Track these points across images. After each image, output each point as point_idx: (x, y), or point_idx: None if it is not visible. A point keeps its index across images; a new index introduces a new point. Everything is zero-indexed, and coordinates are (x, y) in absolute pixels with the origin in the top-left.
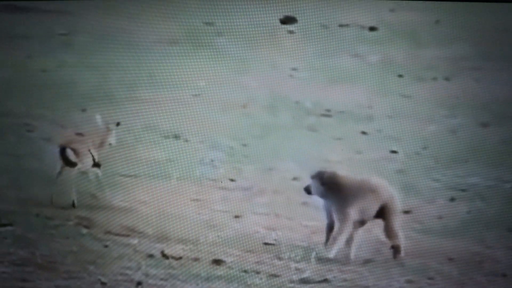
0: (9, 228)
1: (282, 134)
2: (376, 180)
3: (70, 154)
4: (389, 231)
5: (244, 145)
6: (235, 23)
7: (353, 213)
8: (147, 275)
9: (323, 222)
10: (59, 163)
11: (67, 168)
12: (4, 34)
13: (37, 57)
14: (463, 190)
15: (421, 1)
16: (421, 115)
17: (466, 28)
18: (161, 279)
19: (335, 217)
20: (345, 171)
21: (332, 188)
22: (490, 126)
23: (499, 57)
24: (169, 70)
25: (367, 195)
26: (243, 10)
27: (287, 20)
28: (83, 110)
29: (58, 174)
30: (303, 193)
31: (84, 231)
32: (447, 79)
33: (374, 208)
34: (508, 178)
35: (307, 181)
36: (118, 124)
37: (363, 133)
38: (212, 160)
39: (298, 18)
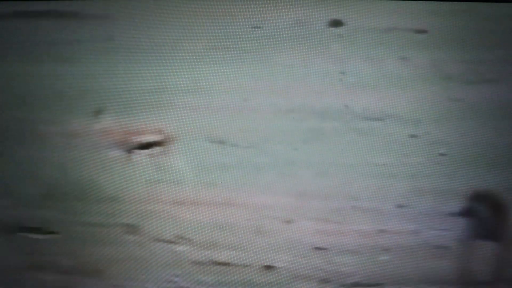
0: (53, 236)
1: (332, 138)
2: None
3: None
4: None
5: (295, 150)
6: (282, 27)
7: None
8: (195, 282)
9: (373, 226)
10: None
11: None
12: (45, 41)
13: (80, 64)
14: None
15: (469, 2)
16: (471, 118)
17: None
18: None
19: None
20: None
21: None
22: None
23: None
24: (218, 76)
25: None
26: (289, 13)
27: (335, 24)
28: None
29: None
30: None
31: (131, 238)
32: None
33: None
34: None
35: (357, 185)
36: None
37: (413, 136)
38: (261, 165)
39: (345, 22)
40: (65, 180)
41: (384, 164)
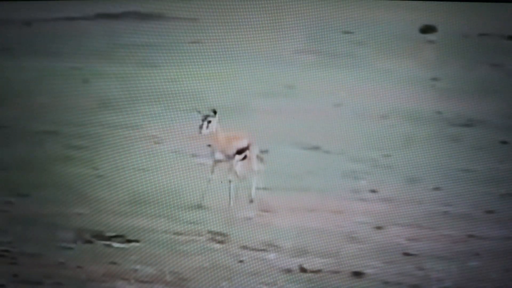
0: (135, 244)
1: (424, 144)
2: None
3: None
4: None
5: (387, 156)
6: (374, 32)
7: None
8: None
9: (464, 232)
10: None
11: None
12: (127, 43)
13: (163, 67)
14: None
15: None
16: None
17: None
18: None
19: None
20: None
21: None
22: None
23: None
24: (309, 80)
25: None
26: (381, 18)
27: (427, 29)
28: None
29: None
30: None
31: (217, 246)
32: None
33: None
34: None
35: (448, 191)
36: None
37: (504, 142)
38: (353, 171)
39: (438, 28)
40: (149, 187)
41: (475, 170)
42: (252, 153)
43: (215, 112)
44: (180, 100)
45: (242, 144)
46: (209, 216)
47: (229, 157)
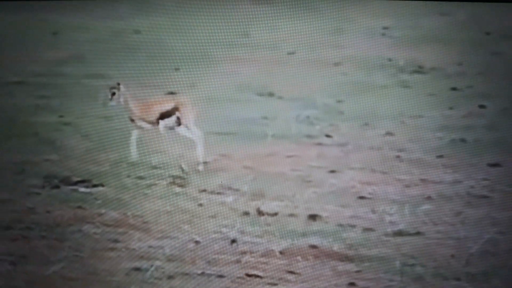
0: (100, 188)
1: (376, 91)
2: None
3: None
4: None
5: (340, 101)
6: None
7: None
8: (242, 232)
9: (416, 176)
10: None
11: None
12: None
13: (128, 19)
14: None
15: None
16: (511, 72)
17: None
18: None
19: None
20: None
21: None
22: None
23: None
24: (264, 29)
25: None
26: None
27: None
28: (176, 69)
29: None
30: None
31: (178, 190)
32: None
33: None
34: None
35: (400, 136)
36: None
37: (454, 89)
38: (307, 117)
39: None
40: (112, 133)
41: (426, 116)
42: (185, 117)
43: (118, 84)
44: (143, 50)
45: (166, 108)
46: (171, 161)
47: (153, 123)
